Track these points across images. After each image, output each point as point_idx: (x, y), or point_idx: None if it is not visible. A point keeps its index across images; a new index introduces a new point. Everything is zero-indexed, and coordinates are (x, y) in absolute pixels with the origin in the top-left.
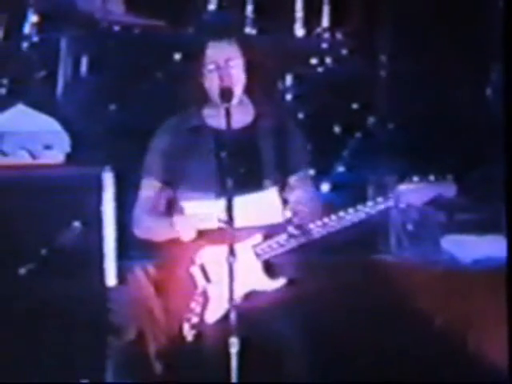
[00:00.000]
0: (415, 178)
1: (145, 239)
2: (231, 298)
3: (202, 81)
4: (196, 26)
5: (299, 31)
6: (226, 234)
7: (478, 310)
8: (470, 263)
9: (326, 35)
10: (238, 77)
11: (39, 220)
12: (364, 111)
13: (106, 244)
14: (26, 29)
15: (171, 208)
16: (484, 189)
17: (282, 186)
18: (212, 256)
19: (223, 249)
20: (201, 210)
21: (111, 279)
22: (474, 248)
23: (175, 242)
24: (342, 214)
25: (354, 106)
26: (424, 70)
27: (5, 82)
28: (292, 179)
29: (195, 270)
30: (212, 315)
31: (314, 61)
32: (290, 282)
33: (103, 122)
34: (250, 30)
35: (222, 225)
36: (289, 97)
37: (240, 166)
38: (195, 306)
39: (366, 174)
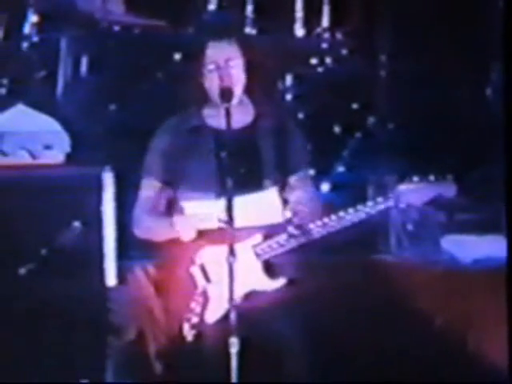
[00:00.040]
0: (415, 178)
1: (145, 239)
2: (231, 298)
3: (202, 81)
4: (196, 26)
5: (299, 31)
6: (226, 233)
7: (478, 310)
8: (470, 263)
9: (326, 35)
10: (238, 77)
11: (39, 220)
12: (364, 111)
13: (105, 244)
14: (26, 29)
15: (171, 208)
16: (484, 189)
17: (282, 186)
18: (212, 256)
19: (223, 249)
20: (201, 210)
21: (111, 279)
22: (474, 248)
23: (175, 242)
24: (341, 214)
25: (354, 106)
26: (424, 70)
27: (5, 81)
28: (292, 179)
29: (195, 270)
30: (212, 315)
31: (314, 61)
32: (290, 282)
33: (103, 122)
34: (250, 30)
35: (222, 225)
36: (289, 97)
37: (240, 166)
38: (195, 306)
39: (366, 173)
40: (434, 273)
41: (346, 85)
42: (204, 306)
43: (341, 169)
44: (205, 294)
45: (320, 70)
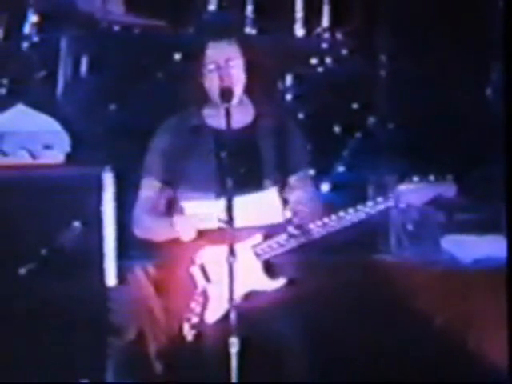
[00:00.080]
0: (415, 178)
1: (145, 239)
2: (231, 298)
3: (202, 81)
4: (196, 26)
5: (299, 31)
6: (226, 233)
7: (478, 310)
8: (470, 263)
9: (326, 35)
10: (238, 77)
11: (39, 220)
12: (364, 111)
13: (106, 244)
14: (26, 29)
15: (171, 208)
16: (484, 188)
17: (282, 186)
18: (212, 256)
19: (223, 249)
20: (201, 210)
21: (111, 279)
22: (474, 248)
23: (175, 241)
24: (341, 214)
25: (354, 105)
26: (424, 70)
27: (5, 82)
28: (292, 179)
29: (195, 270)
30: (212, 315)
31: (314, 61)
32: (290, 282)
33: (103, 122)
34: (250, 30)
35: (222, 225)
36: (289, 97)
37: (240, 166)
38: (195, 306)
39: (366, 173)
40: (434, 273)
41: (346, 85)
42: (204, 305)
43: (341, 169)
44: (205, 294)
45: (320, 69)
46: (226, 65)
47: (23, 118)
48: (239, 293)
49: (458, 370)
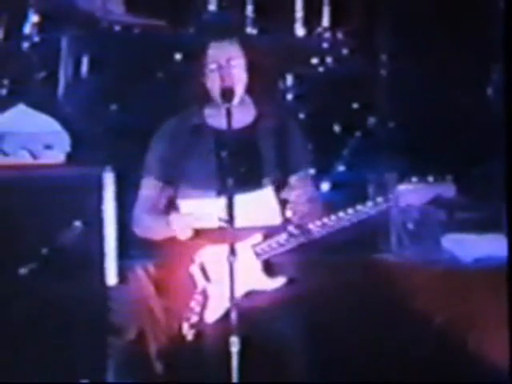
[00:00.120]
0: (414, 179)
1: (145, 238)
2: (232, 297)
3: (204, 81)
4: (197, 26)
5: (300, 31)
6: (226, 233)
7: (479, 309)
8: (470, 262)
9: (327, 35)
10: (239, 77)
11: (40, 220)
12: (364, 111)
13: (106, 243)
14: (27, 29)
15: (171, 207)
16: (484, 187)
17: (283, 186)
18: (212, 255)
19: (223, 248)
20: (199, 209)
21: (112, 278)
22: (475, 247)
23: (175, 241)
24: (341, 213)
25: (355, 105)
26: (424, 70)
27: (5, 82)
28: (292, 179)
29: (195, 270)
30: (212, 314)
31: (314, 60)
32: (290, 282)
33: (104, 122)
34: (250, 30)
35: (223, 224)
36: (289, 96)
37: (241, 165)
38: (195, 306)
39: (366, 173)
40: (435, 272)
41: (347, 84)
42: (204, 305)
43: (341, 168)
44: (204, 294)
45: (321, 69)
46: (227, 65)
47: (24, 118)
48: (239, 292)
49: (458, 369)
